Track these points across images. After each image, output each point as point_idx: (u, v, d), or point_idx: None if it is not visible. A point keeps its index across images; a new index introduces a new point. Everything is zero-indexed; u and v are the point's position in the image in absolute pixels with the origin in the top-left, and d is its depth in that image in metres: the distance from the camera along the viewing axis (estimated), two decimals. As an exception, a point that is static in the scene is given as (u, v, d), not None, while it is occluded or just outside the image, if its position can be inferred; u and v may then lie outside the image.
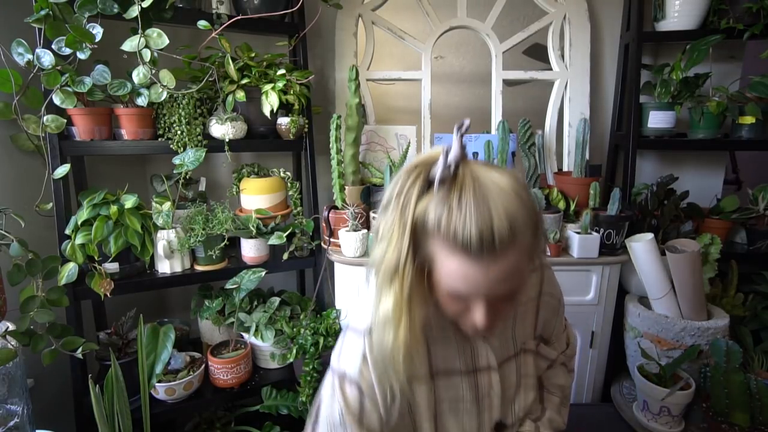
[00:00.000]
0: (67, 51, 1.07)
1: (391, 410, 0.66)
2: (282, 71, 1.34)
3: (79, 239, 1.16)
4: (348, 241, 1.40)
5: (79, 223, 1.17)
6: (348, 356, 0.66)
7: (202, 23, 1.19)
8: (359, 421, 0.64)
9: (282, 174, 1.49)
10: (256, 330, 1.38)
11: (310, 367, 1.33)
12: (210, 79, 1.27)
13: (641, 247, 1.39)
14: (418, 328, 0.58)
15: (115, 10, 1.08)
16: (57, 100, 1.10)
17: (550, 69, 1.77)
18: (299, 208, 1.48)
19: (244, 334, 1.43)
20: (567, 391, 0.88)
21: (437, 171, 0.54)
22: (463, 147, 0.54)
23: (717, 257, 1.50)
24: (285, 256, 1.43)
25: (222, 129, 1.31)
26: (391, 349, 0.58)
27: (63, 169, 1.16)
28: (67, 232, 1.18)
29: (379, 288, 0.58)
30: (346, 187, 1.49)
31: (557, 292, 0.83)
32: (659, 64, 1.71)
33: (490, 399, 0.74)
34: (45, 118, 1.12)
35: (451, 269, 0.54)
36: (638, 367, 1.43)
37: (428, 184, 0.55)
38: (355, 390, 0.65)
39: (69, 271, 1.16)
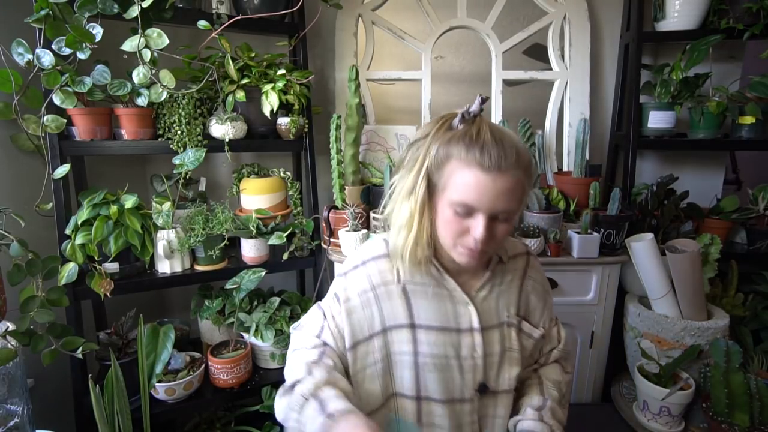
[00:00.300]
0: (67, 51, 1.07)
1: (355, 350, 0.82)
2: (282, 71, 1.34)
3: (79, 239, 1.16)
4: (348, 241, 1.40)
5: (79, 223, 1.17)
6: (327, 297, 0.88)
7: (202, 23, 1.19)
8: (317, 335, 0.84)
9: (282, 174, 1.49)
10: (256, 330, 1.38)
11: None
12: (210, 79, 1.27)
13: (641, 247, 1.39)
14: (424, 236, 0.76)
15: (115, 10, 1.08)
16: (57, 100, 1.10)
17: (550, 69, 1.77)
18: (299, 208, 1.48)
19: (244, 334, 1.43)
20: (564, 388, 0.90)
21: (460, 114, 0.72)
22: (482, 109, 0.73)
23: (717, 257, 1.50)
24: (285, 256, 1.43)
25: (222, 129, 1.31)
26: (401, 247, 0.77)
27: (63, 169, 1.16)
28: (67, 232, 1.18)
29: (399, 204, 0.77)
30: (346, 187, 1.49)
31: (542, 280, 0.92)
32: (659, 64, 1.71)
33: (474, 360, 0.81)
34: (45, 118, 1.12)
35: (467, 181, 0.69)
36: (638, 367, 1.43)
37: (449, 129, 0.73)
38: (320, 314, 0.86)
39: (69, 271, 1.16)
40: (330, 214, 1.46)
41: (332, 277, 1.50)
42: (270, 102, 1.31)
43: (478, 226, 0.71)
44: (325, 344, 0.83)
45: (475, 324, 0.81)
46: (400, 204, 0.77)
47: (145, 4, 1.07)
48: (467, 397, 0.81)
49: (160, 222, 1.26)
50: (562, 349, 0.94)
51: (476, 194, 0.69)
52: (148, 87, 1.18)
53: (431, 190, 0.74)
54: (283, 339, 1.38)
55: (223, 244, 1.36)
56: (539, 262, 0.93)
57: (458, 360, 0.80)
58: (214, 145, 1.32)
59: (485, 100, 0.73)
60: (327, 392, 0.72)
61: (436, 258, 0.82)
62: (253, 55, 1.37)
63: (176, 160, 1.25)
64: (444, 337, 0.80)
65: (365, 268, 0.84)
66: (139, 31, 1.09)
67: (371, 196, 1.55)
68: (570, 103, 1.75)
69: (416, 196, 0.74)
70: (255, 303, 1.45)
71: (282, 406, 0.76)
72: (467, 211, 0.71)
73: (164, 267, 1.32)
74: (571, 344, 0.90)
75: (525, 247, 0.93)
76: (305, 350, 0.82)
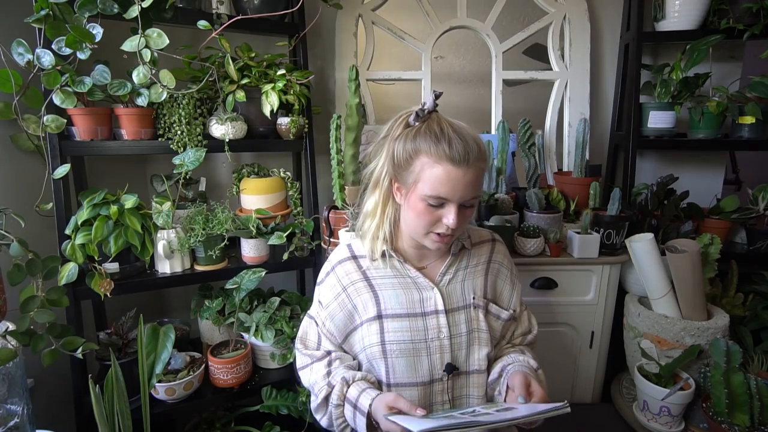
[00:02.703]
0: (67, 51, 1.07)
1: (347, 343, 0.91)
2: (282, 71, 1.34)
3: (79, 239, 1.16)
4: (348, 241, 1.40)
5: (79, 223, 1.17)
6: (313, 304, 0.97)
7: (202, 23, 1.19)
8: (318, 347, 0.94)
9: (282, 174, 1.49)
10: (256, 330, 1.38)
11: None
12: (210, 79, 1.27)
13: (641, 247, 1.39)
14: (385, 224, 0.87)
15: (115, 10, 1.08)
16: (57, 100, 1.10)
17: (550, 69, 1.77)
18: (299, 208, 1.48)
19: (244, 334, 1.43)
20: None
21: (415, 112, 0.80)
22: (436, 105, 0.81)
23: (717, 257, 1.49)
24: (285, 256, 1.43)
25: (222, 129, 1.31)
26: (367, 231, 0.89)
27: (63, 169, 1.16)
28: (67, 232, 1.18)
29: (369, 192, 0.89)
30: (346, 187, 1.49)
31: (509, 265, 0.98)
32: (659, 64, 1.71)
33: (440, 341, 0.86)
34: (45, 118, 1.12)
35: (439, 176, 0.75)
36: (638, 367, 1.43)
37: (407, 126, 0.80)
38: (313, 323, 0.95)
39: (69, 271, 1.16)
40: (330, 214, 1.46)
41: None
42: (270, 102, 1.31)
43: (450, 214, 0.77)
44: (328, 352, 0.91)
45: (440, 306, 0.87)
46: (368, 195, 0.89)
47: (145, 4, 1.07)
48: (437, 378, 0.86)
49: (160, 222, 1.26)
50: (535, 335, 1.00)
51: (449, 188, 0.76)
52: (148, 87, 1.18)
53: (399, 185, 0.83)
54: (283, 339, 1.38)
55: (223, 244, 1.36)
56: (506, 248, 1.00)
57: (425, 342, 0.85)
58: (214, 145, 1.31)
59: (438, 95, 0.80)
60: (352, 392, 0.83)
61: (396, 250, 0.90)
62: (253, 55, 1.37)
63: (176, 160, 1.24)
64: (410, 323, 0.85)
65: (334, 273, 0.93)
66: (139, 31, 1.09)
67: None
68: (570, 103, 1.75)
69: (381, 190, 0.85)
70: (255, 303, 1.45)
71: (325, 420, 0.88)
72: (440, 203, 0.78)
73: (164, 267, 1.32)
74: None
75: (490, 234, 0.99)
76: (315, 365, 0.91)
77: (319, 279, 0.97)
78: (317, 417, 0.90)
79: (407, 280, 0.89)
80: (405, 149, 0.78)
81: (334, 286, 0.92)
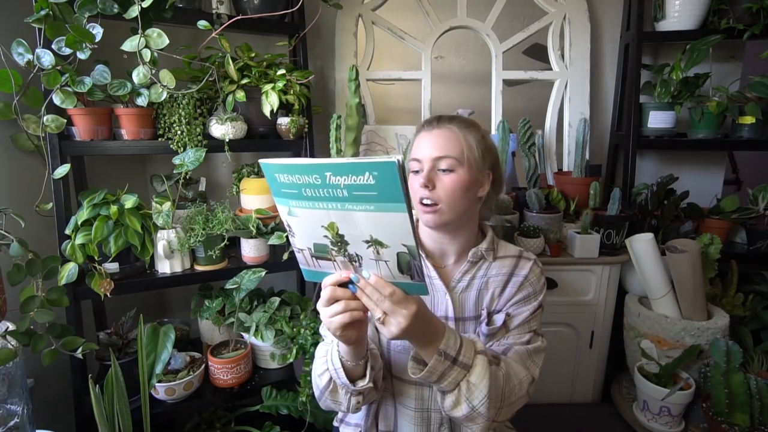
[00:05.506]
0: (67, 51, 1.07)
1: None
2: (282, 71, 1.34)
3: (79, 239, 1.15)
4: (348, 241, 1.40)
5: (79, 223, 1.17)
6: None
7: (202, 23, 1.19)
8: None
9: (282, 174, 1.49)
10: (256, 330, 1.38)
11: (311, 367, 1.33)
12: (210, 79, 1.27)
13: (641, 247, 1.39)
14: None
15: (115, 10, 1.08)
16: (57, 100, 1.10)
17: (550, 69, 1.77)
18: (299, 208, 1.48)
19: (244, 334, 1.43)
20: (514, 382, 0.78)
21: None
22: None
23: (717, 257, 1.50)
24: (285, 256, 1.43)
25: (222, 129, 1.31)
26: None
27: (63, 169, 1.16)
28: (67, 232, 1.18)
29: None
30: (346, 187, 1.49)
31: (532, 284, 0.88)
32: (659, 64, 1.71)
33: None
34: (45, 118, 1.12)
35: (415, 143, 0.85)
36: (638, 367, 1.43)
37: None
38: None
39: (69, 271, 1.15)
40: (330, 214, 1.46)
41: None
42: (270, 102, 1.31)
43: (424, 172, 0.81)
44: None
45: (450, 313, 0.85)
46: None
47: (145, 4, 1.07)
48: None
49: (160, 222, 1.26)
50: (530, 350, 0.83)
51: (419, 147, 0.83)
52: (148, 87, 1.18)
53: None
54: (283, 339, 1.38)
55: (223, 244, 1.36)
56: (537, 267, 0.90)
57: None
58: (214, 145, 1.31)
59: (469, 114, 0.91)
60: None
61: (420, 244, 0.89)
62: (253, 55, 1.37)
63: (176, 160, 1.24)
64: None
65: None
66: (139, 31, 1.09)
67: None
68: (570, 103, 1.75)
69: None
70: (255, 303, 1.45)
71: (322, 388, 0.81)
72: (418, 166, 0.82)
73: (164, 267, 1.32)
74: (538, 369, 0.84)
75: (519, 251, 0.92)
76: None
77: None
78: (318, 395, 0.83)
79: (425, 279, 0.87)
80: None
81: None
